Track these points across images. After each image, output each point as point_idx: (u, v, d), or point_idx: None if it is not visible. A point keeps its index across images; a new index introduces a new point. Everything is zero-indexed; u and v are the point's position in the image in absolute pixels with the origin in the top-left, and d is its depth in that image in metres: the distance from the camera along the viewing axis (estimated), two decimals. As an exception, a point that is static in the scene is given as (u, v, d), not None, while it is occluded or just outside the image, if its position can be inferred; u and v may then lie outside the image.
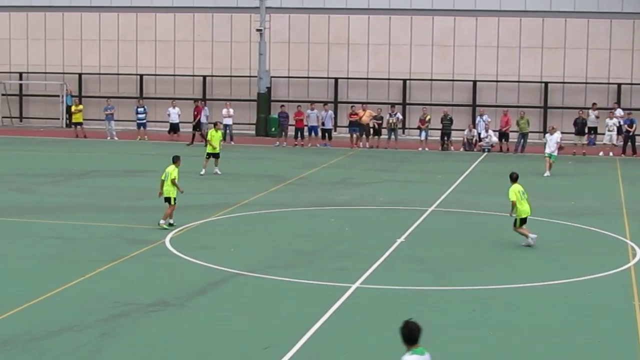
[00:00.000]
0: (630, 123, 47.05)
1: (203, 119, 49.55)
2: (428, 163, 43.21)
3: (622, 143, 47.40)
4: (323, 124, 49.06)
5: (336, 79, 53.70)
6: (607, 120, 47.37)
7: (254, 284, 20.78)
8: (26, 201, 30.81)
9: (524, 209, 24.57)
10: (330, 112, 49.77)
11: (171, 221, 26.36)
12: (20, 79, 56.87)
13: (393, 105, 50.43)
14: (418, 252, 23.99)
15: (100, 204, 30.37)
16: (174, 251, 23.68)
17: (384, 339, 16.59)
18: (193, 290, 19.97)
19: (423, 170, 40.40)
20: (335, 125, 51.40)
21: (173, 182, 26.33)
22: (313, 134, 49.14)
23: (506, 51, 52.64)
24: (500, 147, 47.94)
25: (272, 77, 53.43)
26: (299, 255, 23.56)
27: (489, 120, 48.60)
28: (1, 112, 56.23)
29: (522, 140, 47.78)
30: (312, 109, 49.03)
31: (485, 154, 46.93)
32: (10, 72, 56.64)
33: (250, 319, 18.03)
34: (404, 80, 53.05)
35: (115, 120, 51.47)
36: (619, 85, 51.42)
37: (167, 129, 50.33)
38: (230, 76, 54.85)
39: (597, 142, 48.62)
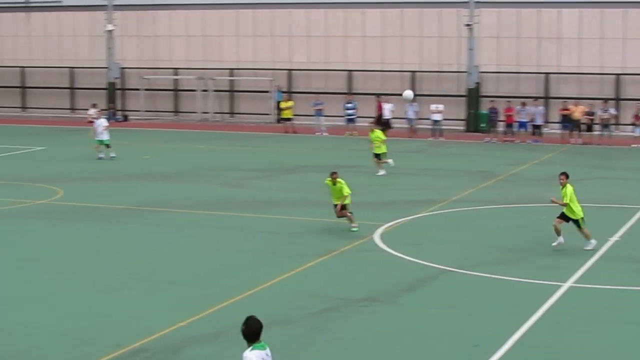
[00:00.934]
0: None
1: (387, 114, 49.66)
2: (642, 160, 41.87)
3: None
4: (533, 120, 48.21)
5: (547, 74, 52.64)
6: None
7: (463, 281, 20.57)
8: (237, 195, 31.46)
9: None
10: (541, 108, 48.85)
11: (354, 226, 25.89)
12: (231, 75, 58.20)
13: (605, 100, 49.05)
14: (634, 252, 23.20)
15: (309, 199, 30.70)
16: (383, 247, 23.69)
17: (598, 339, 16.09)
18: (402, 286, 19.91)
19: (637, 168, 39.09)
20: (546, 121, 50.37)
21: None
22: (523, 130, 48.34)
23: None
24: None
25: (480, 72, 52.86)
26: (508, 253, 23.18)
27: None
28: (212, 107, 57.68)
29: None
30: (523, 107, 48.27)
31: None
32: (221, 69, 58.03)
33: (459, 317, 17.84)
34: (617, 75, 51.50)
35: (324, 116, 52.01)
36: None
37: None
38: (439, 72, 54.57)
39: None
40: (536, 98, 50.20)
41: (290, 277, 20.73)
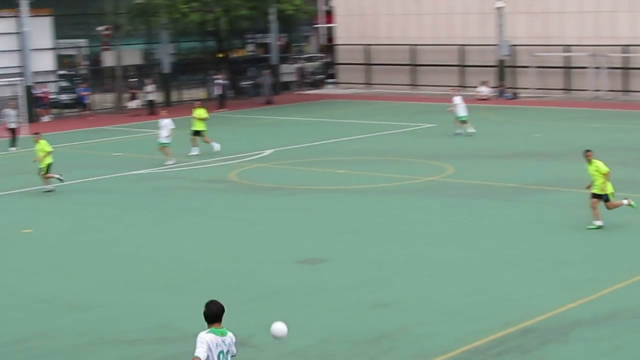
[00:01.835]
0: None
1: None
2: None
3: None
4: None
5: None
6: None
7: None
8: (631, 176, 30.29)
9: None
10: None
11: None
12: (624, 52, 56.25)
13: None
14: None
15: None
16: None
17: None
18: None
19: None
20: None
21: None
22: None
23: None
24: None
25: None
26: None
27: None
28: (605, 85, 56.06)
29: None
30: None
31: None
32: (613, 45, 56.20)
33: None
34: None
35: None
36: None
37: None
38: None
39: None
40: None
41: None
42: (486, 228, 23.66)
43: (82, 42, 62.16)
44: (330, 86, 67.00)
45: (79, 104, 55.42)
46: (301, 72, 67.37)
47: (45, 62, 53.35)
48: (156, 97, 54.94)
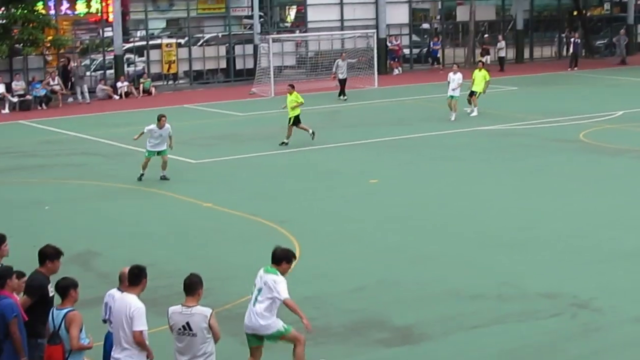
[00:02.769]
0: None
1: None
2: None
3: None
4: None
5: None
6: None
7: None
8: None
9: None
10: None
11: None
12: None
13: None
14: None
15: None
16: None
17: None
18: None
19: None
20: None
21: None
22: None
23: None
24: None
25: None
26: None
27: None
28: None
29: None
30: None
31: None
32: None
33: None
34: None
35: None
36: None
37: None
38: None
39: None
40: None
41: None
42: None
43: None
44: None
45: (428, 58, 56.04)
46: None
47: (400, 15, 54.23)
48: (506, 53, 54.54)
